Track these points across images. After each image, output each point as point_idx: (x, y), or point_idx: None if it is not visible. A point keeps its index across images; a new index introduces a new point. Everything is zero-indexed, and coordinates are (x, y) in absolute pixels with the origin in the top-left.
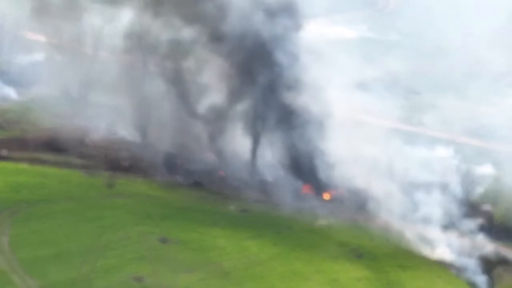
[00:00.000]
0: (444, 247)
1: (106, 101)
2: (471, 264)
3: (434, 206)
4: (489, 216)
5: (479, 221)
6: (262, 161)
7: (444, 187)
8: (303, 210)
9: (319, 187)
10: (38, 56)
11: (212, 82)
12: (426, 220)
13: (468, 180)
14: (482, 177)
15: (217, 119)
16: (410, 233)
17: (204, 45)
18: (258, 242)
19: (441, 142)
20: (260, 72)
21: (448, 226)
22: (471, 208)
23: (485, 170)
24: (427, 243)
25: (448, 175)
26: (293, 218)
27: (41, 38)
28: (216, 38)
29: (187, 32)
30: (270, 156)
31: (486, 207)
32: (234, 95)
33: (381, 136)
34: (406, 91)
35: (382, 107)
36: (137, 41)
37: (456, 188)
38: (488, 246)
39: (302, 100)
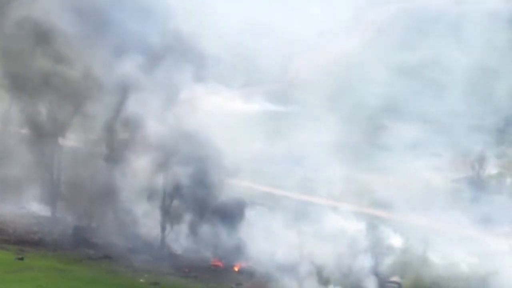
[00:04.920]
0: None
1: (15, 176)
2: None
3: (343, 278)
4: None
5: None
6: (172, 234)
7: (352, 258)
8: (213, 283)
9: (229, 259)
10: None
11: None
12: None
13: (376, 251)
14: (390, 249)
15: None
16: None
17: None
18: None
19: (350, 213)
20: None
21: None
22: (380, 279)
23: (394, 241)
24: None
25: (357, 247)
26: None
27: None
28: None
29: None
30: (180, 229)
31: (395, 278)
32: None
33: (291, 208)
34: (312, 163)
35: (288, 179)
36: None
37: (365, 260)
38: None
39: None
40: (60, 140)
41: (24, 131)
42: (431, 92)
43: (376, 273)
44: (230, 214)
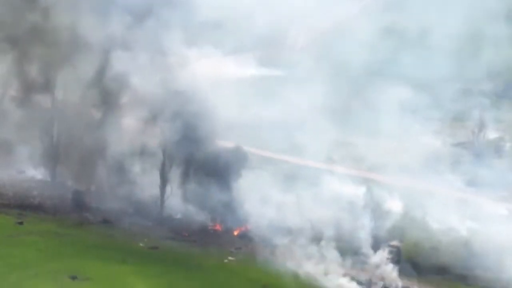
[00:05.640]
0: (352, 282)
1: (15, 140)
2: None
3: (342, 242)
4: (397, 251)
5: (387, 256)
6: (171, 198)
7: (352, 223)
8: (212, 247)
9: (228, 223)
10: None
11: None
12: (334, 256)
13: (376, 215)
14: (390, 213)
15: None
16: (319, 269)
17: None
18: (168, 279)
19: (350, 178)
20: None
21: (357, 261)
22: (379, 243)
23: (393, 205)
24: (336, 279)
25: (357, 211)
26: (203, 254)
27: None
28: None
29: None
30: (179, 193)
31: (394, 243)
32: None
33: (292, 174)
34: (314, 128)
35: (289, 145)
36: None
37: (365, 224)
38: (396, 281)
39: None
40: (58, 103)
41: (21, 93)
42: (430, 56)
43: (374, 237)
44: (226, 172)
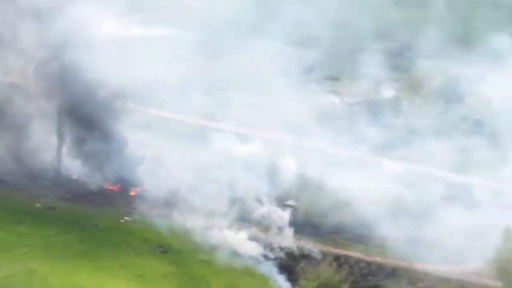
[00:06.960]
0: (247, 242)
1: None
2: (273, 258)
3: (236, 201)
4: (293, 211)
5: (284, 215)
6: (67, 159)
7: (249, 182)
8: (108, 207)
9: (124, 184)
10: None
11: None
12: (229, 216)
13: (272, 175)
14: (286, 172)
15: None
16: (212, 229)
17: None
18: (64, 239)
19: (246, 137)
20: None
21: (252, 221)
22: (276, 203)
23: (289, 165)
24: (230, 238)
25: (253, 170)
26: (99, 215)
27: None
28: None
29: None
30: (76, 154)
31: (290, 202)
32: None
33: (186, 133)
34: (209, 88)
35: (185, 104)
36: None
37: (261, 183)
38: (292, 241)
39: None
40: None
41: None
42: (327, 16)
43: (269, 196)
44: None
